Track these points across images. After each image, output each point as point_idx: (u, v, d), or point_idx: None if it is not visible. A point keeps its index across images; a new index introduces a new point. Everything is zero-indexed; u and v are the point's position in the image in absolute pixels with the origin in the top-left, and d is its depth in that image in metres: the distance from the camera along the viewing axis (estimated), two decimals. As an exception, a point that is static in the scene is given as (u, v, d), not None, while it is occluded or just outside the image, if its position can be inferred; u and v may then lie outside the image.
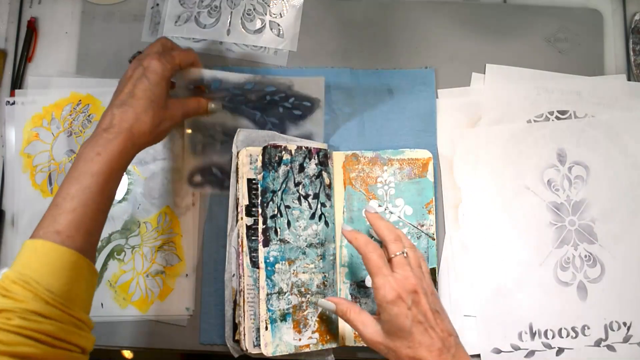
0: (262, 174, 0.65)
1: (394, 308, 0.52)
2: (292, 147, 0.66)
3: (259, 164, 0.65)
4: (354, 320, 0.56)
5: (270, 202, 0.65)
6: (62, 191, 0.51)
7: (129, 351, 1.27)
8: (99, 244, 0.69)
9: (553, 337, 0.68)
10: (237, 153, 0.67)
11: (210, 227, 0.70)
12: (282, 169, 0.66)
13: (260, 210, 0.64)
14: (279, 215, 0.65)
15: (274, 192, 0.65)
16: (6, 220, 0.71)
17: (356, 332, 0.55)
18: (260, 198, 0.64)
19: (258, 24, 0.75)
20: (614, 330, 0.69)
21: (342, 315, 0.57)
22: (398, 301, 0.52)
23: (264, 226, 0.64)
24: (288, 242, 0.64)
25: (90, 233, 0.52)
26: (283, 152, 0.66)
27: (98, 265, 0.69)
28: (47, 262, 0.48)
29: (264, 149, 0.65)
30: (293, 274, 0.64)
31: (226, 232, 0.69)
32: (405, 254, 0.55)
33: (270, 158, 0.65)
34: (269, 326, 0.62)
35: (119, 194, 0.71)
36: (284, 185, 0.65)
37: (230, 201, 0.68)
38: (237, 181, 0.66)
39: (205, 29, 0.75)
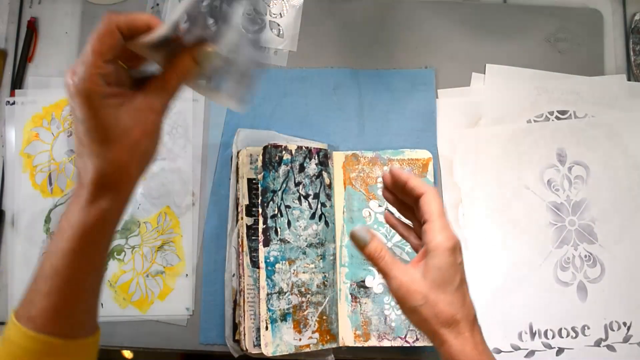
0: (262, 174, 0.65)
1: (451, 257, 0.46)
2: (293, 147, 0.66)
3: (260, 163, 0.65)
4: (388, 263, 0.48)
5: (271, 202, 0.65)
6: (41, 265, 0.42)
7: (129, 351, 1.27)
8: (99, 244, 0.69)
9: (553, 337, 0.68)
10: (238, 153, 0.67)
11: (210, 227, 0.70)
12: (283, 168, 0.66)
13: (260, 210, 0.64)
14: (279, 215, 0.65)
15: (274, 192, 0.65)
16: (6, 220, 0.71)
17: (386, 281, 0.48)
18: (260, 198, 0.64)
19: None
20: (614, 330, 0.69)
21: (374, 254, 0.48)
22: (455, 251, 0.47)
23: (264, 226, 0.64)
24: (288, 242, 0.64)
25: (73, 314, 0.43)
26: (283, 152, 0.66)
27: (98, 265, 0.69)
28: (17, 353, 0.41)
29: (265, 148, 0.65)
30: (293, 273, 0.64)
31: (226, 232, 0.69)
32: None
33: (271, 158, 0.65)
34: (269, 326, 0.62)
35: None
36: (284, 185, 0.65)
37: (230, 201, 0.68)
38: (237, 181, 0.67)
39: (205, 29, 0.75)
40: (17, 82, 0.74)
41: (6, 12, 0.76)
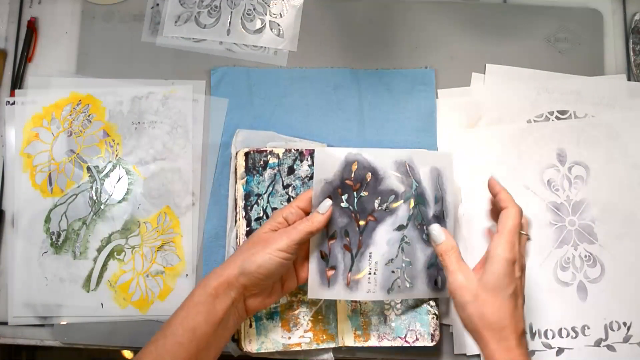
0: (245, 179, 0.65)
1: (508, 267, 0.52)
2: (280, 150, 0.67)
3: (242, 168, 0.66)
4: (453, 261, 0.55)
5: (255, 205, 0.65)
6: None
7: (129, 351, 1.27)
8: (99, 244, 0.70)
9: (553, 337, 0.68)
10: (236, 154, 0.67)
11: (210, 227, 0.70)
12: (269, 172, 0.66)
13: (243, 214, 0.65)
14: (264, 217, 0.65)
15: (258, 195, 0.66)
16: (6, 220, 0.71)
17: (447, 275, 0.55)
18: (243, 202, 0.65)
19: (258, 24, 0.75)
20: (614, 330, 0.69)
21: (443, 253, 0.56)
22: (514, 265, 0.52)
23: (248, 229, 0.65)
24: None
25: None
26: (269, 156, 0.66)
27: (98, 266, 0.69)
28: None
29: (246, 154, 0.66)
30: None
31: (226, 232, 0.69)
32: (528, 237, 0.56)
33: (254, 163, 0.66)
34: (253, 324, 0.64)
35: (119, 194, 0.71)
36: (270, 189, 0.66)
37: (229, 201, 0.68)
38: (235, 182, 0.67)
39: (205, 29, 0.75)
40: (17, 82, 0.74)
41: (6, 12, 0.76)
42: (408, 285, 0.61)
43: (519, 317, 0.52)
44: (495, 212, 0.59)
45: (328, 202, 0.58)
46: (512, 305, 0.51)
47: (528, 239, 0.57)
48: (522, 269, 0.54)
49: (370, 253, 0.60)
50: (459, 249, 0.57)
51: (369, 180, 0.60)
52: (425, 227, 0.61)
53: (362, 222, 0.60)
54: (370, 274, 0.60)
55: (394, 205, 0.60)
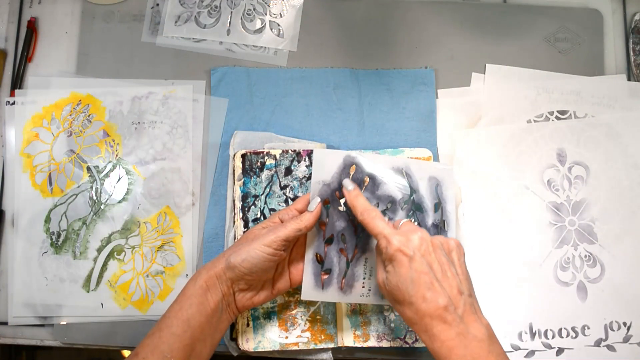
0: (242, 180, 0.66)
1: (397, 257, 0.51)
2: (277, 151, 0.67)
3: (240, 170, 0.66)
4: (378, 217, 0.55)
5: (252, 207, 0.66)
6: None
7: (129, 351, 1.27)
8: (99, 244, 0.70)
9: (553, 337, 0.68)
10: (234, 155, 0.67)
11: (210, 227, 0.70)
12: (266, 173, 0.66)
13: (241, 215, 0.65)
14: (262, 218, 0.65)
15: (256, 196, 0.66)
16: (6, 220, 0.71)
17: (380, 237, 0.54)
18: (240, 203, 0.65)
19: (258, 24, 0.75)
20: (614, 330, 0.69)
21: (363, 211, 0.56)
22: (399, 253, 0.51)
23: (245, 229, 0.65)
24: None
25: None
26: (266, 157, 0.66)
27: (98, 266, 0.69)
28: None
29: (243, 156, 0.66)
30: None
31: (225, 233, 0.69)
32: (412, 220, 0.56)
33: (251, 164, 0.66)
34: (250, 323, 0.64)
35: (119, 194, 0.71)
36: (267, 190, 0.66)
37: (227, 202, 0.68)
38: (234, 183, 0.67)
39: (205, 29, 0.75)
40: (17, 82, 0.74)
41: (6, 12, 0.76)
42: None
43: (438, 287, 0.49)
44: None
45: (317, 200, 0.58)
46: (422, 285, 0.49)
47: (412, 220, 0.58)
48: (421, 238, 0.52)
49: (366, 259, 0.61)
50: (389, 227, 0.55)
51: (367, 184, 0.60)
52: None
53: (359, 227, 0.60)
54: (365, 279, 0.61)
55: (391, 211, 0.61)
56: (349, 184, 0.58)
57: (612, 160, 0.72)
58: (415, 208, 0.61)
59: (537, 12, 0.76)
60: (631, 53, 0.75)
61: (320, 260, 0.60)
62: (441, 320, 0.48)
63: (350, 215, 0.60)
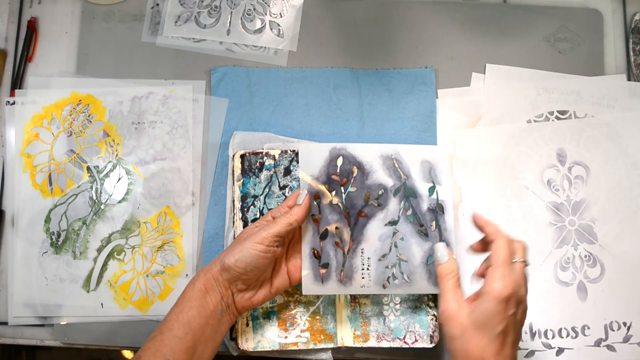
0: (241, 181, 0.66)
1: (499, 305, 0.50)
2: (276, 152, 0.67)
3: (239, 170, 0.66)
4: (450, 287, 0.54)
5: (252, 207, 0.66)
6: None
7: (129, 351, 1.27)
8: (99, 244, 0.70)
9: (553, 337, 0.68)
10: (233, 156, 0.67)
11: (210, 227, 0.70)
12: (265, 173, 0.66)
13: (240, 215, 0.65)
14: (261, 218, 0.65)
15: (255, 197, 0.66)
16: (6, 220, 0.71)
17: (439, 300, 0.55)
18: (240, 203, 0.65)
19: (258, 24, 0.75)
20: (614, 330, 0.69)
21: (441, 275, 0.56)
22: (508, 302, 0.50)
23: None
24: None
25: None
26: (265, 158, 0.67)
27: (98, 266, 0.69)
28: None
29: (242, 156, 0.66)
30: None
31: (224, 233, 0.69)
32: (525, 263, 0.54)
33: (250, 165, 0.66)
34: (249, 323, 0.64)
35: (119, 194, 0.71)
36: (267, 190, 0.66)
37: (227, 202, 0.68)
38: (233, 183, 0.67)
39: (205, 29, 0.75)
40: (17, 82, 0.74)
41: (6, 12, 0.76)
42: (405, 280, 0.61)
43: (505, 355, 0.50)
44: (485, 245, 0.58)
45: (304, 193, 0.59)
46: (498, 345, 0.50)
47: (525, 265, 0.54)
48: (519, 302, 0.52)
49: (362, 249, 0.61)
50: (458, 274, 0.56)
51: (355, 174, 0.61)
52: (420, 221, 0.62)
53: (352, 219, 0.61)
54: (363, 269, 0.61)
55: (383, 199, 0.61)
56: (441, 257, 0.57)
57: (612, 160, 0.72)
58: (408, 194, 0.62)
59: (537, 12, 0.76)
60: (631, 53, 0.75)
61: (317, 255, 0.60)
62: None
63: (341, 208, 0.60)
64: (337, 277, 0.61)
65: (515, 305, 0.51)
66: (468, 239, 0.70)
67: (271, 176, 0.67)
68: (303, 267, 0.60)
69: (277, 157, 0.67)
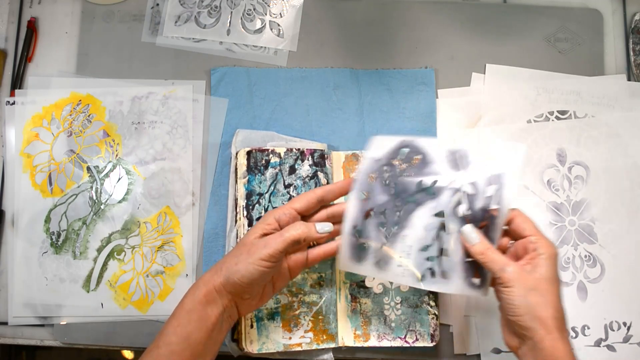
0: (247, 178, 0.65)
1: (555, 264, 0.52)
2: (282, 150, 0.67)
3: (244, 168, 0.65)
4: (499, 255, 0.53)
5: (257, 205, 0.65)
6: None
7: (129, 351, 1.27)
8: (99, 244, 0.70)
9: (553, 337, 0.68)
10: (237, 153, 0.67)
11: (210, 227, 0.70)
12: (270, 171, 0.66)
13: (245, 213, 0.65)
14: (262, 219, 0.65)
15: (260, 194, 0.65)
16: (6, 220, 0.71)
17: (496, 270, 0.53)
18: (245, 201, 0.65)
19: (258, 24, 0.75)
20: (614, 330, 0.69)
21: (482, 251, 0.54)
22: (557, 260, 0.53)
23: (249, 229, 0.64)
24: None
25: None
26: (270, 155, 0.66)
27: (98, 266, 0.69)
28: None
29: (248, 153, 0.66)
30: None
31: (226, 232, 0.69)
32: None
33: (256, 162, 0.66)
34: (254, 324, 0.64)
35: (119, 194, 0.71)
36: (272, 188, 0.66)
37: (229, 201, 0.68)
38: (235, 182, 0.67)
39: (205, 29, 0.75)
40: (17, 82, 0.74)
41: (6, 12, 0.76)
42: (442, 276, 0.57)
43: (562, 310, 0.52)
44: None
45: (328, 226, 0.58)
46: (558, 301, 0.51)
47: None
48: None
49: (406, 235, 0.58)
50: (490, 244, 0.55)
51: (416, 162, 0.59)
52: (470, 219, 0.57)
53: (401, 203, 0.58)
54: (402, 257, 0.58)
55: (437, 189, 0.58)
56: (473, 238, 0.55)
57: (612, 160, 0.72)
58: (466, 191, 0.57)
59: (537, 12, 0.76)
60: (631, 53, 0.75)
61: (358, 231, 0.58)
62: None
63: (393, 190, 0.58)
64: (374, 259, 0.58)
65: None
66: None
67: (276, 174, 0.66)
68: (342, 242, 0.58)
69: (282, 155, 0.67)
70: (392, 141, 0.60)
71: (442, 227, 0.57)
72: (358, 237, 0.58)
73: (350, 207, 0.58)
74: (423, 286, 0.58)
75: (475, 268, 0.57)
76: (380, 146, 0.59)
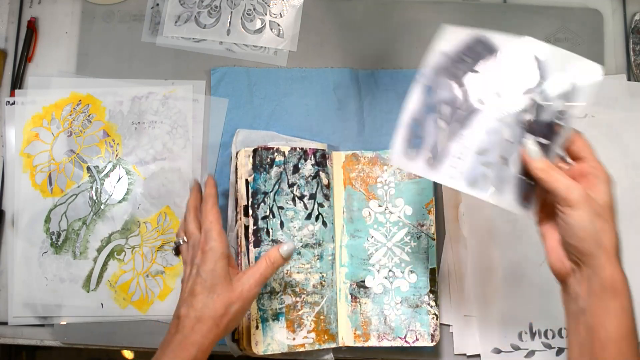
0: (252, 176, 0.65)
1: (611, 187, 0.50)
2: (286, 148, 0.66)
3: (250, 166, 0.65)
4: (563, 176, 0.49)
5: (262, 204, 0.65)
6: None
7: (129, 351, 1.27)
8: (99, 244, 0.70)
9: (553, 337, 0.68)
10: (237, 153, 0.67)
11: (210, 227, 0.70)
12: (275, 170, 0.66)
13: (251, 212, 0.64)
14: (271, 216, 0.65)
15: (265, 193, 0.65)
16: (6, 220, 0.71)
17: (558, 188, 0.49)
18: (251, 200, 0.64)
19: (258, 24, 0.75)
20: (614, 330, 0.68)
21: (543, 168, 0.50)
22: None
23: (255, 227, 0.64)
24: (281, 242, 0.64)
25: None
26: (275, 154, 0.66)
27: (98, 266, 0.69)
28: None
29: (254, 151, 0.66)
30: (287, 274, 0.64)
31: (226, 232, 0.69)
32: None
33: (262, 160, 0.65)
34: (259, 325, 0.63)
35: (119, 193, 0.71)
36: (276, 187, 0.66)
37: (229, 201, 0.68)
38: (236, 181, 0.67)
39: (205, 29, 0.75)
40: (17, 82, 0.74)
41: (6, 12, 0.76)
42: (494, 186, 0.53)
43: (618, 237, 0.51)
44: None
45: (290, 246, 0.58)
46: (615, 228, 0.51)
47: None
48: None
49: (464, 135, 0.54)
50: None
51: (489, 62, 0.55)
52: (535, 130, 0.53)
53: (466, 103, 0.55)
54: (457, 158, 0.54)
55: (506, 94, 0.54)
56: (536, 152, 0.51)
57: (612, 160, 0.72)
58: (537, 101, 0.53)
59: (537, 12, 0.76)
60: (631, 53, 0.75)
61: (416, 125, 0.55)
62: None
63: (459, 88, 0.55)
64: (427, 156, 0.54)
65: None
66: (468, 239, 0.70)
67: (281, 173, 0.66)
68: (397, 134, 0.55)
69: (286, 154, 0.67)
70: (465, 34, 0.55)
71: (507, 133, 0.53)
72: (415, 131, 0.55)
73: (413, 99, 0.55)
74: (472, 192, 0.53)
75: (529, 185, 0.53)
76: (452, 38, 0.55)
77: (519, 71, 0.54)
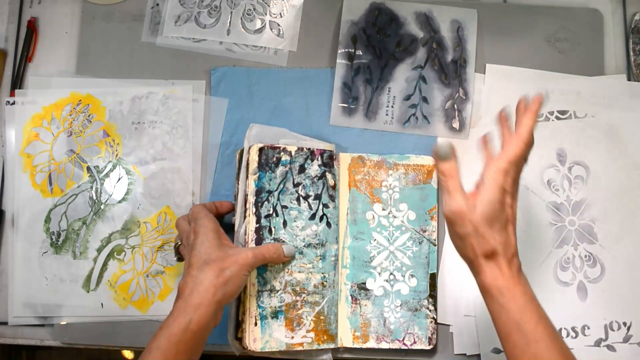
0: (257, 175, 0.65)
1: (500, 195, 0.51)
2: (292, 148, 0.66)
3: (255, 164, 0.65)
4: (457, 185, 0.52)
5: (265, 202, 0.65)
6: None
7: (129, 351, 1.28)
8: (99, 244, 0.70)
9: (553, 337, 0.68)
10: (249, 148, 0.66)
11: (210, 227, 0.70)
12: (280, 169, 0.66)
13: (254, 210, 0.64)
14: (274, 215, 0.65)
15: (269, 192, 0.65)
16: (6, 220, 0.71)
17: (445, 197, 0.53)
18: (254, 197, 0.64)
19: (258, 24, 0.75)
20: (614, 330, 0.69)
21: (446, 173, 0.53)
22: (504, 192, 0.52)
23: (257, 225, 0.64)
24: (283, 241, 0.64)
25: None
26: (281, 153, 0.66)
27: (98, 266, 0.69)
28: None
29: (260, 149, 0.65)
30: (287, 272, 0.64)
31: (227, 230, 0.68)
32: (525, 161, 0.54)
33: (267, 159, 0.65)
34: (258, 322, 0.63)
35: (119, 193, 0.71)
36: (281, 186, 0.65)
37: (239, 196, 0.67)
38: (247, 177, 0.66)
39: (205, 29, 0.75)
40: (17, 82, 0.74)
41: (6, 12, 0.76)
42: (424, 121, 0.71)
43: (511, 245, 0.52)
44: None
45: (292, 250, 0.64)
46: (505, 235, 0.52)
47: (525, 163, 0.54)
48: (514, 196, 0.53)
49: (390, 88, 0.70)
50: (459, 174, 0.54)
51: (391, 24, 0.72)
52: (443, 69, 0.71)
53: (383, 60, 0.71)
54: (388, 107, 0.68)
55: (413, 48, 0.71)
56: (442, 149, 0.54)
57: (612, 160, 0.72)
58: (437, 46, 0.71)
59: (537, 12, 0.76)
60: (631, 53, 0.75)
61: (347, 88, 0.71)
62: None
63: (375, 50, 0.71)
64: (364, 112, 0.69)
65: (512, 197, 0.52)
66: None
67: (286, 172, 0.66)
68: (333, 99, 0.70)
69: (293, 153, 0.66)
70: (366, 3, 0.73)
71: (421, 78, 0.71)
72: (348, 93, 0.71)
73: (339, 67, 0.71)
74: (408, 130, 0.71)
75: (455, 114, 0.70)
76: (354, 5, 0.72)
77: (416, 28, 0.72)
